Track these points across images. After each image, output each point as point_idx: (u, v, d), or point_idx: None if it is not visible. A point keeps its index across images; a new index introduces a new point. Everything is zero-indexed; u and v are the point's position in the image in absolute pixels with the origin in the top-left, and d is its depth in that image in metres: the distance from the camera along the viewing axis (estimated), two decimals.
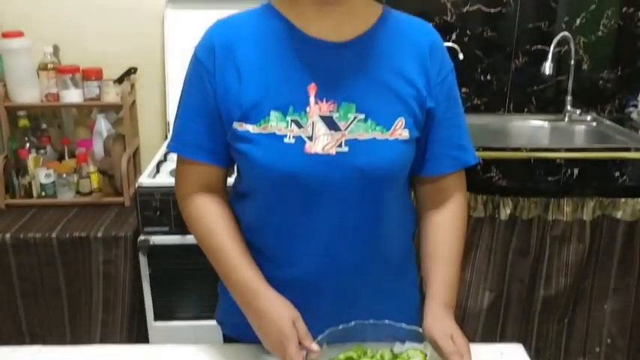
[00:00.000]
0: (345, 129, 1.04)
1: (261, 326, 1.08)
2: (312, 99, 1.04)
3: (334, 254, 1.11)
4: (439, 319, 1.07)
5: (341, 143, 1.04)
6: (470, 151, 1.17)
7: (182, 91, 1.13)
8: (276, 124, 1.03)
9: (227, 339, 1.29)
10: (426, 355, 1.09)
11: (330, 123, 1.04)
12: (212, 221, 1.13)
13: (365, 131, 1.04)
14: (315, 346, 1.04)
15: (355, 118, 1.04)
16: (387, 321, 1.13)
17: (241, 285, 1.10)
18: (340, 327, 1.11)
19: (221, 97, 1.06)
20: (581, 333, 2.30)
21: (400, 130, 1.06)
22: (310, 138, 1.04)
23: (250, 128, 1.04)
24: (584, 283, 2.23)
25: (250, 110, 1.05)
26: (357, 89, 1.05)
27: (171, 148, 1.14)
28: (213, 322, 1.31)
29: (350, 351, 1.11)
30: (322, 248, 1.10)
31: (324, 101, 1.04)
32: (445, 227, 1.17)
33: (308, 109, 1.04)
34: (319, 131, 1.04)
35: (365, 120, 1.04)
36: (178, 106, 1.13)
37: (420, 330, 1.13)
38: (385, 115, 1.05)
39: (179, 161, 1.16)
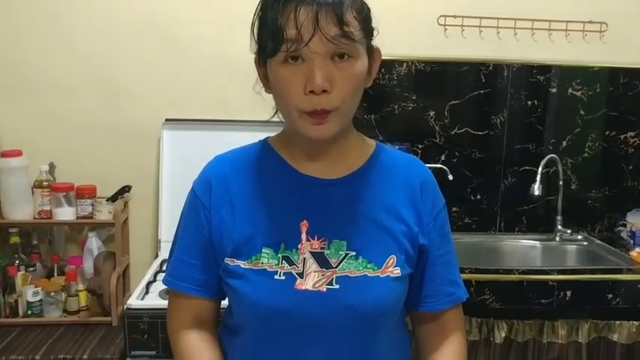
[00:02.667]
0: (336, 266, 1.04)
1: None
2: (304, 236, 1.05)
3: None
4: None
5: (332, 280, 1.04)
6: (461, 286, 1.18)
7: (179, 224, 1.15)
8: (267, 260, 1.04)
9: None
10: None
11: (322, 260, 1.04)
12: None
13: (356, 269, 1.04)
14: None
15: (346, 255, 1.05)
16: None
17: None
18: None
19: (215, 231, 1.08)
20: None
21: (392, 268, 1.06)
22: (301, 275, 1.04)
23: (242, 264, 1.05)
24: None
25: (242, 246, 1.06)
26: (348, 227, 1.06)
27: (165, 282, 1.15)
28: None
29: None
30: None
31: (316, 238, 1.05)
32: None
33: (300, 246, 1.05)
34: (310, 268, 1.04)
35: (356, 257, 1.05)
36: (174, 240, 1.15)
37: None
38: (376, 253, 1.06)
39: (171, 294, 1.16)
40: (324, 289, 1.03)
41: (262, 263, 1.04)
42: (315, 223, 1.06)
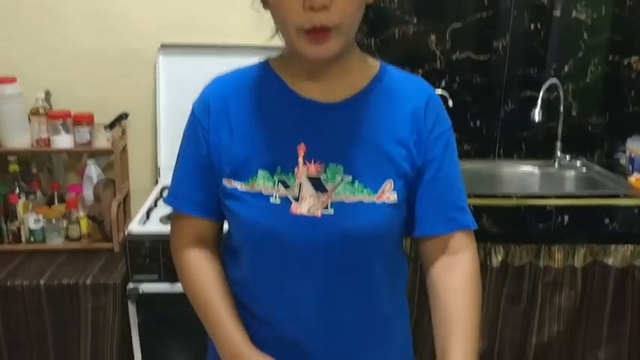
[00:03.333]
0: (332, 191, 1.04)
1: None
2: (300, 160, 1.04)
3: (320, 317, 1.09)
4: None
5: (327, 205, 1.03)
6: (468, 213, 1.12)
7: (180, 146, 1.14)
8: (263, 183, 1.04)
9: None
10: None
11: (318, 184, 1.04)
12: (203, 280, 1.13)
13: (351, 194, 1.04)
14: None
15: (342, 180, 1.04)
16: None
17: (226, 344, 1.10)
18: None
19: (214, 152, 1.07)
20: None
21: (388, 194, 1.04)
22: (296, 199, 1.03)
23: (238, 186, 1.05)
24: (577, 331, 2.22)
25: (239, 167, 1.05)
26: (346, 150, 1.05)
27: (166, 201, 1.16)
28: None
29: None
30: (308, 311, 1.09)
31: (312, 162, 1.04)
32: (458, 293, 1.08)
33: (296, 169, 1.04)
34: (306, 192, 1.03)
35: (352, 182, 1.04)
36: (176, 161, 1.15)
37: None
38: (373, 178, 1.04)
39: (174, 214, 1.17)
40: (319, 214, 1.03)
41: (258, 185, 1.04)
42: (313, 146, 1.04)
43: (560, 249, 2.12)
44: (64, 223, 2.28)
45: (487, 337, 2.19)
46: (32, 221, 2.24)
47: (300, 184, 1.04)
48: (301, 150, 1.04)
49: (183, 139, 1.14)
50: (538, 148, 2.62)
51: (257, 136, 1.06)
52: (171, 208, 1.17)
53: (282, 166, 1.04)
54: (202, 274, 1.14)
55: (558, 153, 2.55)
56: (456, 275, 1.09)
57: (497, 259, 2.11)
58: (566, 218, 2.09)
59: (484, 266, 2.11)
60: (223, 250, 1.20)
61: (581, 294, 2.17)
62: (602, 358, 2.24)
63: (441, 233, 1.11)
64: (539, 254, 2.12)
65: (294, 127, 1.05)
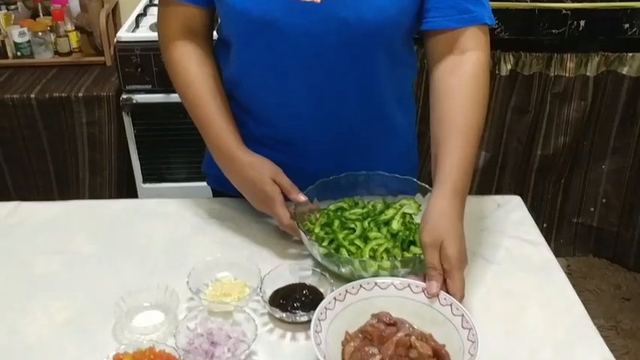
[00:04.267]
0: None
1: (242, 188, 1.05)
2: None
3: (317, 114, 1.03)
4: (436, 217, 0.89)
5: None
6: (486, 7, 0.99)
7: None
8: None
9: (215, 193, 1.25)
10: (419, 205, 1.04)
11: None
12: (192, 72, 1.05)
13: None
14: (302, 197, 1.01)
15: None
16: (379, 172, 1.09)
17: (218, 146, 1.05)
18: (331, 178, 1.07)
19: None
20: (577, 193, 2.28)
21: None
22: None
23: None
24: (584, 143, 2.18)
25: None
26: None
27: None
28: (203, 184, 1.26)
29: (341, 202, 1.07)
30: (304, 108, 1.03)
31: None
32: (462, 92, 0.97)
33: None
34: None
35: None
36: None
37: (415, 180, 1.08)
38: None
39: (161, 3, 1.06)
40: (319, 0, 0.92)
41: None
42: None
43: (572, 57, 2.02)
44: (52, 37, 2.17)
45: (491, 149, 2.15)
46: (17, 34, 2.13)
47: None
48: None
49: None
50: None
51: None
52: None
53: None
54: (191, 70, 1.05)
55: None
56: (459, 76, 0.98)
57: (506, 67, 2.01)
58: (582, 23, 1.96)
59: (492, 75, 2.02)
60: (216, 44, 1.11)
61: (591, 105, 2.10)
62: (606, 170, 2.22)
63: (453, 27, 0.98)
64: (551, 62, 2.02)
65: None
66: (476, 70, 0.98)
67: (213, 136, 1.05)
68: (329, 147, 1.08)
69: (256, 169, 1.01)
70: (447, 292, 0.86)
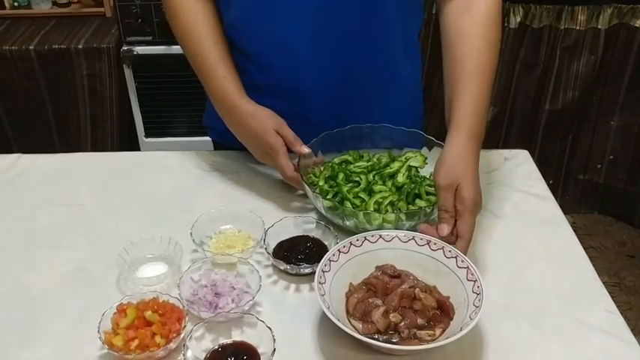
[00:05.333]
0: None
1: (245, 139, 1.03)
2: None
3: (322, 60, 1.00)
4: (452, 160, 0.88)
5: None
6: None
7: None
8: None
9: (217, 146, 1.23)
10: (425, 158, 1.03)
11: None
12: (193, 24, 1.02)
13: None
14: (305, 149, 0.99)
15: None
16: (385, 124, 1.07)
17: (218, 95, 1.02)
18: (335, 130, 1.05)
19: None
20: (584, 149, 2.25)
21: None
22: None
23: None
24: (592, 98, 2.14)
25: None
26: None
27: None
28: (205, 138, 1.24)
29: (345, 155, 1.05)
30: (304, 53, 0.99)
31: None
32: (475, 34, 0.95)
33: None
34: None
35: None
36: None
37: (422, 132, 1.06)
38: None
39: None
40: None
41: None
42: None
43: (584, 10, 1.96)
44: None
45: (498, 103, 2.12)
46: None
47: None
48: None
49: None
50: None
51: None
52: None
53: None
54: (191, 17, 1.02)
55: None
56: (471, 18, 0.95)
57: (515, 19, 1.97)
58: None
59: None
60: None
61: (601, 59, 2.06)
62: (615, 126, 2.19)
63: None
64: (561, 15, 1.97)
65: None
66: (489, 11, 0.96)
67: (215, 86, 1.02)
68: (333, 95, 1.05)
69: (259, 120, 0.99)
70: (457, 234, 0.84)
